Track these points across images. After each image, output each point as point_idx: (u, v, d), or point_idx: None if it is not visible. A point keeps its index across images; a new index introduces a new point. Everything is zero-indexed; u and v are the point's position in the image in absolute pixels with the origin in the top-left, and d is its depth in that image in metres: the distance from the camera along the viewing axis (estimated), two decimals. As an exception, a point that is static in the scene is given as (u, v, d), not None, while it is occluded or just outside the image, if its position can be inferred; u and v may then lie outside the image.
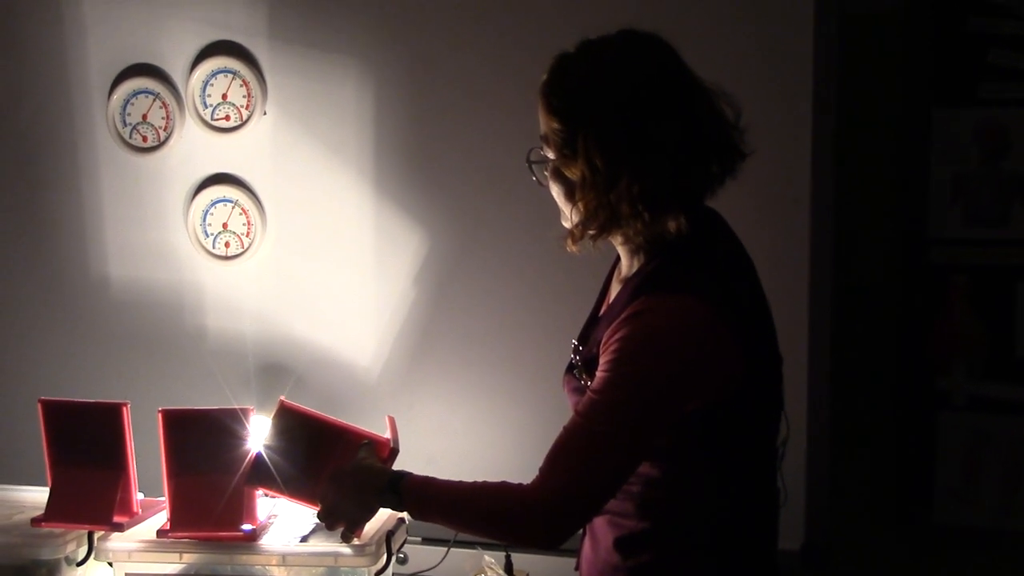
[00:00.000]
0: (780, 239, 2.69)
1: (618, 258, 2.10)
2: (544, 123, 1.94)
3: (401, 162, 2.96)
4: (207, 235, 3.01)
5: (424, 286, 2.96)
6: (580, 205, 1.92)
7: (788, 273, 2.68)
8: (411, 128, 2.95)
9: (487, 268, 2.94)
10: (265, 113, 2.97)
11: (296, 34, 2.96)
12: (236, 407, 2.43)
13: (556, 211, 2.03)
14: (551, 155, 1.95)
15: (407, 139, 2.95)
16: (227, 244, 3.01)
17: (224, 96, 2.97)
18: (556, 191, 1.98)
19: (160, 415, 2.43)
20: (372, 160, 2.96)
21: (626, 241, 1.98)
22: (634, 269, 1.99)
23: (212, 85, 2.97)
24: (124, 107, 3.01)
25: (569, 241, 1.99)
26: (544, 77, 1.94)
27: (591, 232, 1.94)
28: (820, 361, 2.73)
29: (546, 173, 1.99)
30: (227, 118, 2.97)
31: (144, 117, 3.00)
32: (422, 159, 2.95)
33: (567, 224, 2.00)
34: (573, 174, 1.91)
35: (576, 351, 2.08)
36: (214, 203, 3.00)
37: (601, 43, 1.94)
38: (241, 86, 2.95)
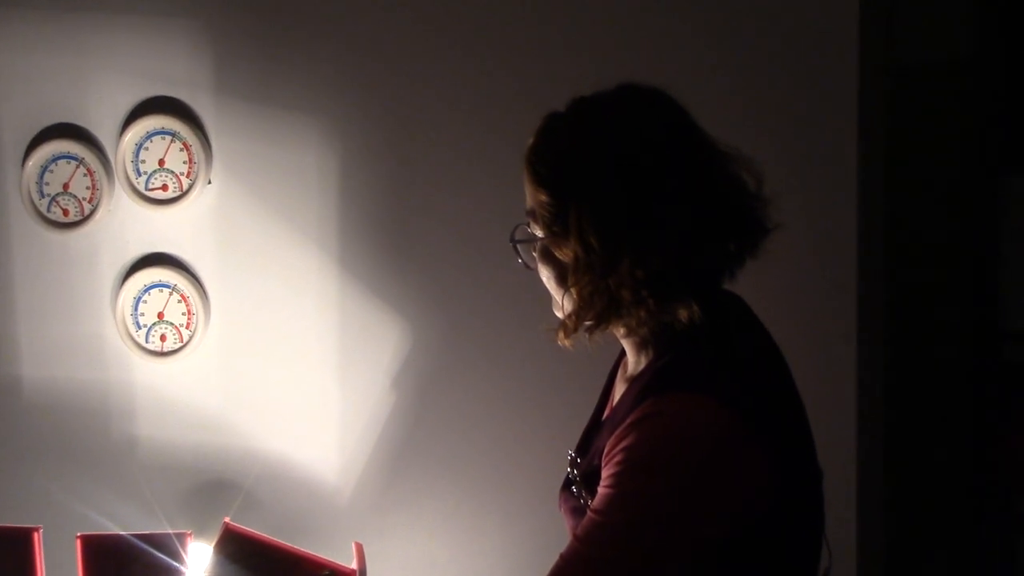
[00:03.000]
0: (820, 330, 2.72)
1: (623, 353, 2.12)
2: (531, 195, 1.98)
3: (373, 241, 2.99)
4: (139, 327, 3.01)
5: (405, 390, 3.00)
6: (573, 291, 1.94)
7: (831, 372, 2.70)
8: (384, 201, 2.98)
9: (477, 368, 2.98)
10: (210, 182, 2.99)
11: (247, 88, 2.97)
12: (170, 532, 2.45)
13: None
14: (539, 232, 1.98)
15: (380, 213, 2.99)
16: (163, 337, 3.01)
17: (161, 162, 2.98)
18: (546, 275, 2.02)
19: (79, 542, 2.45)
20: (337, 238, 3.00)
21: (629, 333, 2.00)
22: (641, 366, 2.01)
23: (147, 149, 2.98)
24: (41, 175, 2.99)
25: (561, 334, 2.00)
26: (530, 141, 1.99)
27: (587, 323, 1.96)
28: (871, 477, 2.73)
29: (534, 254, 2.02)
30: (164, 188, 2.99)
31: (65, 187, 2.99)
32: (398, 238, 2.99)
33: (559, 313, 2.02)
34: (564, 255, 1.93)
35: (574, 464, 2.11)
36: (148, 288, 3.00)
37: (596, 100, 1.98)
38: (181, 150, 2.97)
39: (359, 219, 2.99)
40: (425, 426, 3.00)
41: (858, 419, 2.73)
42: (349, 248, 3.00)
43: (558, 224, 1.93)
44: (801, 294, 2.71)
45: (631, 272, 1.88)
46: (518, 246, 2.06)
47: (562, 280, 1.98)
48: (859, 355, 2.74)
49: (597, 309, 1.94)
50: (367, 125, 2.97)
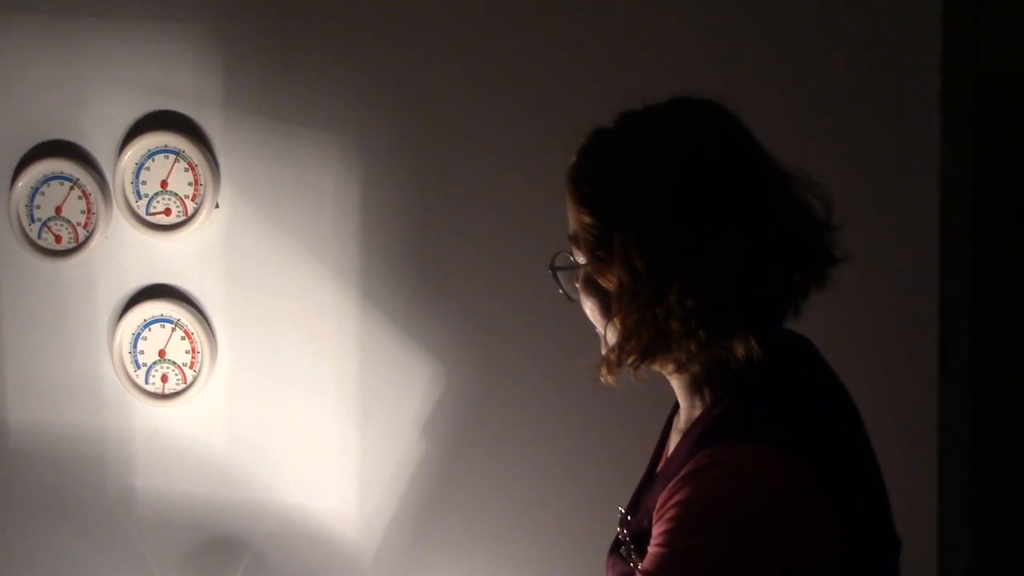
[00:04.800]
0: (897, 374, 2.71)
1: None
2: (573, 217, 1.97)
3: (399, 271, 3.00)
4: (138, 366, 3.03)
5: (435, 439, 3.00)
6: (617, 321, 1.93)
7: (910, 422, 2.69)
8: (411, 226, 2.99)
9: (517, 414, 2.98)
10: (218, 206, 3.01)
11: (259, 102, 3.00)
12: (171, 595, 2.45)
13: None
14: (582, 259, 1.98)
15: (406, 240, 2.99)
16: (164, 378, 3.03)
17: (163, 183, 3.00)
18: (589, 306, 2.01)
19: (68, 605, 2.46)
20: (359, 268, 3.01)
21: (679, 369, 1.99)
22: (696, 412, 2.00)
23: (148, 169, 3.00)
24: (32, 197, 3.02)
25: (603, 369, 1.98)
26: (573, 159, 1.98)
27: (631, 357, 1.95)
28: (954, 547, 2.71)
29: (576, 284, 2.02)
30: (167, 212, 3.01)
31: (58, 210, 3.03)
32: (427, 267, 3.00)
33: (604, 349, 2.00)
34: (609, 282, 1.93)
35: (624, 522, 2.09)
36: (148, 324, 3.02)
37: (646, 115, 1.97)
38: (186, 170, 2.99)
39: (383, 246, 3.00)
40: (457, 480, 3.01)
41: (940, 479, 2.71)
42: (372, 279, 3.01)
43: (602, 249, 1.93)
44: (875, 332, 2.69)
45: (680, 301, 1.87)
46: (559, 274, 2.06)
47: (606, 311, 1.97)
48: (942, 403, 2.72)
49: (643, 341, 1.92)
50: (391, 142, 2.98)
